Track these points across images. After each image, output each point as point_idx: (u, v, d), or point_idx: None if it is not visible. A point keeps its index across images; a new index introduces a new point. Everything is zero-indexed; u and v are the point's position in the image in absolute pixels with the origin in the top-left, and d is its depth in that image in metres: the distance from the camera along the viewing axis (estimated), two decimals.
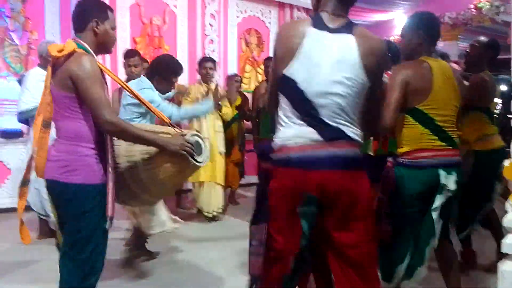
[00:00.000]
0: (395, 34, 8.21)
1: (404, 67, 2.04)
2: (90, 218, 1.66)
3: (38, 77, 3.10)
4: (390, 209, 2.03)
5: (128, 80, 3.30)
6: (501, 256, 1.97)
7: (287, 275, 1.48)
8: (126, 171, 1.79)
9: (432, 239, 2.03)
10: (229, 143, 4.48)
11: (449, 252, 2.17)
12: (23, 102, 3.34)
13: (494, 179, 2.71)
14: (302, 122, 1.43)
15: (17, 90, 3.66)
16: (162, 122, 2.11)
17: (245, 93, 5.44)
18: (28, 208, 2.34)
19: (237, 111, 4.70)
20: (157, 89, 2.90)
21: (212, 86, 4.29)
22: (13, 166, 4.38)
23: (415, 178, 1.99)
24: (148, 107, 1.98)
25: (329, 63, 1.40)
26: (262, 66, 5.69)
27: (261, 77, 5.97)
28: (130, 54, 3.94)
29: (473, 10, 6.67)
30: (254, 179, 5.11)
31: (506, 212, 1.98)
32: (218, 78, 5.47)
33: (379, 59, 1.46)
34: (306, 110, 1.42)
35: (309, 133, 1.42)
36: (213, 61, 4.42)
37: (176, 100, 4.64)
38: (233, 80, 4.93)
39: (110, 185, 1.67)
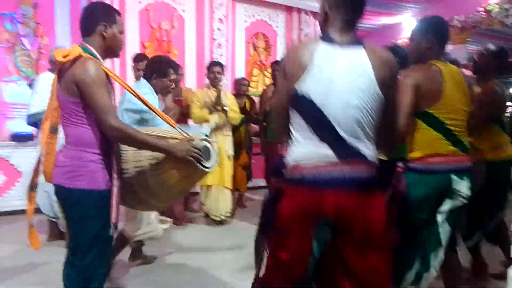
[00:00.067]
0: (403, 38, 8.19)
1: (414, 70, 2.03)
2: (93, 224, 1.65)
3: (48, 81, 3.14)
4: (399, 215, 1.99)
5: None
6: (511, 262, 1.95)
7: None
8: (134, 176, 1.77)
9: (439, 246, 2.00)
10: (237, 146, 4.49)
11: (454, 262, 2.14)
12: (32, 106, 3.39)
13: (506, 188, 2.69)
14: (317, 140, 1.39)
15: (28, 94, 3.73)
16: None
17: (252, 96, 5.46)
18: (37, 211, 2.37)
19: (244, 115, 4.72)
20: (157, 89, 2.91)
21: (221, 89, 4.31)
22: (24, 169, 4.43)
23: (427, 183, 1.97)
24: (154, 111, 1.92)
25: (343, 78, 1.38)
26: (270, 70, 5.71)
27: (268, 81, 5.98)
28: (139, 58, 3.98)
29: (482, 13, 6.61)
30: (261, 182, 5.13)
31: None
32: (226, 82, 5.49)
33: (391, 72, 1.44)
34: (323, 127, 1.39)
35: (324, 152, 1.38)
36: (221, 66, 4.44)
37: (184, 104, 4.68)
38: (240, 84, 4.95)
39: (115, 191, 1.67)
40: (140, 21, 5.41)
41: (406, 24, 8.60)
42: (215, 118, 4.24)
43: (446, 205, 2.00)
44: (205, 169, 1.80)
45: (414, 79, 1.96)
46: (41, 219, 3.49)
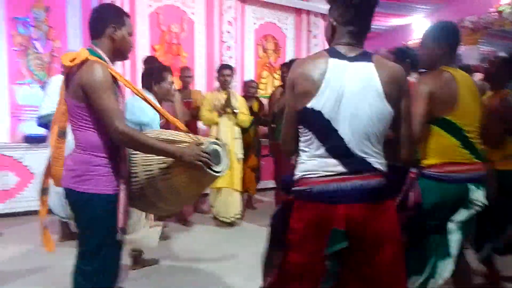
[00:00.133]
0: (413, 39, 8.13)
1: (428, 78, 1.99)
2: (100, 228, 1.64)
3: (59, 84, 3.18)
4: (408, 221, 1.97)
5: None
6: None
7: None
8: (143, 180, 1.76)
9: (448, 255, 1.97)
10: (246, 148, 4.50)
11: (463, 266, 2.11)
12: (42, 108, 3.44)
13: None
14: (326, 153, 1.39)
15: (41, 96, 3.79)
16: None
17: (261, 98, 5.47)
18: (49, 211, 2.39)
19: (253, 116, 4.73)
20: (161, 96, 2.93)
21: (231, 92, 4.33)
22: (36, 171, 4.49)
23: (443, 191, 1.95)
24: (162, 114, 1.94)
25: (352, 92, 1.37)
26: (279, 72, 5.72)
27: (277, 83, 5.98)
28: (149, 61, 4.02)
29: (493, 14, 6.55)
30: (270, 183, 5.13)
31: None
32: (235, 84, 5.51)
33: (400, 87, 1.43)
34: (331, 140, 1.38)
35: (333, 165, 1.38)
36: (231, 69, 4.46)
37: (193, 106, 4.71)
38: (249, 86, 4.97)
39: (122, 196, 1.65)
40: (150, 25, 5.46)
41: (416, 25, 8.54)
42: (224, 121, 4.26)
43: (461, 215, 1.97)
44: (215, 173, 1.76)
45: (428, 87, 1.93)
46: (52, 220, 3.53)
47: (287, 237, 1.48)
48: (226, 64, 4.68)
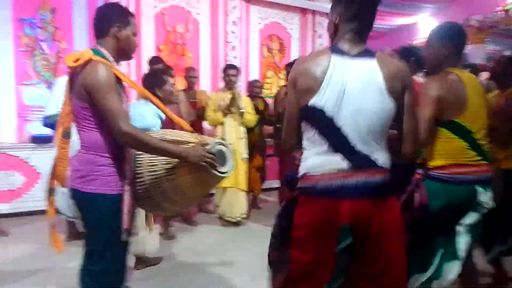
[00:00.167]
0: (419, 38, 8.09)
1: (435, 81, 1.97)
2: (105, 229, 1.63)
3: (65, 84, 3.21)
4: (412, 222, 1.96)
5: None
6: None
7: None
8: (148, 181, 1.75)
9: (455, 257, 1.96)
10: (251, 148, 4.50)
11: (469, 267, 2.09)
12: (48, 108, 3.46)
13: None
14: (329, 150, 1.40)
15: (47, 97, 3.81)
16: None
17: (266, 98, 5.47)
18: (55, 211, 2.41)
19: (258, 115, 4.73)
20: (165, 100, 2.96)
21: (235, 92, 4.34)
22: (43, 171, 4.52)
23: (450, 193, 1.93)
24: (168, 115, 1.94)
25: (354, 89, 1.38)
26: (284, 72, 5.71)
27: (282, 82, 5.98)
28: (154, 61, 4.03)
29: (500, 12, 6.51)
30: (275, 183, 5.12)
31: None
32: (240, 84, 5.52)
33: (403, 82, 1.43)
34: (335, 138, 1.39)
35: (337, 161, 1.39)
36: (237, 69, 4.47)
37: (198, 106, 4.72)
38: (253, 86, 4.97)
39: (126, 196, 1.64)
40: (155, 25, 5.48)
41: (422, 25, 8.50)
42: (229, 121, 4.27)
43: (470, 218, 1.95)
44: (220, 174, 1.75)
45: (436, 91, 1.91)
46: (59, 219, 3.55)
47: (291, 234, 1.49)
48: (231, 64, 4.69)
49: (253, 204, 5.03)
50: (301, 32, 6.78)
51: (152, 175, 1.75)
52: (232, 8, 6.01)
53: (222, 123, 4.29)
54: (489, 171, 1.98)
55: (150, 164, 1.75)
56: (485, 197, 1.93)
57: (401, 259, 1.45)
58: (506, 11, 6.39)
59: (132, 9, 4.94)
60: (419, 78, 2.81)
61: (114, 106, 1.55)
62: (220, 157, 1.76)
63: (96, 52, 1.65)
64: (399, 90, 1.42)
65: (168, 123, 2.97)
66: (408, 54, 2.84)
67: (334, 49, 1.45)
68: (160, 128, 2.92)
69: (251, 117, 4.40)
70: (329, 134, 1.40)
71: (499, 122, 2.36)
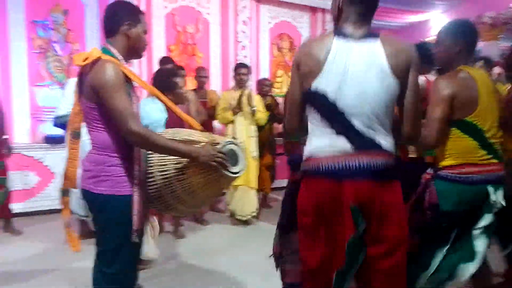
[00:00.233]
0: (431, 35, 8.00)
1: (447, 79, 1.93)
2: (118, 230, 1.61)
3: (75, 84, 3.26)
4: (423, 222, 1.94)
5: None
6: None
7: None
8: (159, 181, 1.73)
9: (471, 259, 1.92)
10: (261, 147, 4.50)
11: (483, 267, 2.05)
12: (59, 108, 3.48)
13: None
14: (333, 133, 1.41)
15: (59, 98, 3.86)
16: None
17: (276, 97, 5.46)
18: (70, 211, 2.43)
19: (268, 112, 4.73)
20: (176, 101, 2.98)
21: (246, 91, 4.35)
22: (56, 170, 4.59)
23: (461, 193, 1.90)
24: (178, 114, 1.91)
25: (357, 71, 1.38)
26: None
27: None
28: (164, 61, 4.06)
29: None
30: (285, 182, 5.10)
31: None
32: (250, 83, 5.52)
33: (407, 60, 1.42)
34: (338, 121, 1.40)
35: (341, 143, 1.40)
36: (248, 67, 4.47)
37: (208, 106, 4.74)
38: (262, 84, 4.96)
39: (136, 197, 1.61)
40: (166, 25, 5.52)
41: (434, 22, 8.40)
42: (239, 120, 4.28)
43: (485, 220, 1.92)
44: (231, 174, 1.72)
45: (448, 90, 1.87)
46: (71, 218, 3.60)
47: (298, 221, 1.50)
48: (242, 63, 4.70)
49: (263, 203, 5.03)
50: (311, 30, 6.75)
51: (163, 175, 1.73)
52: (242, 7, 6.02)
53: (232, 122, 4.30)
54: (500, 170, 1.94)
55: (160, 164, 1.73)
56: (496, 196, 1.89)
57: (404, 241, 1.45)
58: None
59: (142, 9, 4.98)
60: (432, 76, 2.78)
61: (122, 105, 1.52)
62: (232, 157, 1.73)
63: (105, 51, 1.63)
64: (403, 68, 1.41)
65: (177, 122, 3.00)
66: (421, 51, 2.81)
67: (338, 32, 1.45)
68: (165, 124, 2.94)
69: (262, 116, 4.40)
70: (332, 118, 1.42)
71: (510, 113, 2.31)
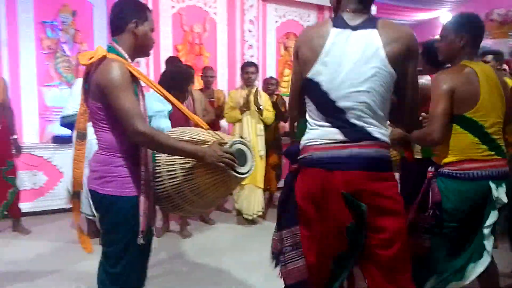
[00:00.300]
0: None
1: (448, 74, 1.92)
2: (124, 231, 1.59)
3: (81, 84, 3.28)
4: (430, 223, 1.92)
5: None
6: None
7: (329, 280, 1.44)
8: (167, 181, 1.71)
9: (481, 258, 1.90)
10: (267, 146, 4.50)
11: (490, 268, 2.01)
12: (66, 108, 3.51)
13: None
14: (327, 124, 1.42)
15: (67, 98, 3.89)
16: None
17: (284, 96, 5.45)
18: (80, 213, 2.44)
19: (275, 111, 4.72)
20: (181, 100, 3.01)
21: (253, 90, 4.35)
22: (65, 170, 4.63)
23: (463, 190, 1.87)
24: (185, 112, 1.85)
25: (351, 62, 1.38)
26: None
27: None
28: (170, 61, 4.08)
29: None
30: None
31: None
32: (257, 83, 5.52)
33: (405, 49, 1.40)
34: (331, 112, 1.41)
35: (334, 134, 1.41)
36: (255, 66, 4.47)
37: (216, 105, 4.75)
38: (268, 83, 4.95)
39: (142, 198, 1.59)
40: (173, 25, 5.53)
41: (443, 19, 8.32)
42: (247, 118, 4.28)
43: (492, 218, 1.88)
44: (239, 175, 1.68)
45: (448, 85, 1.85)
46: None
47: (298, 214, 1.50)
48: (250, 62, 4.70)
49: (269, 202, 5.02)
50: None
51: (170, 175, 1.71)
52: (249, 7, 6.01)
53: (240, 121, 4.30)
54: (503, 166, 1.91)
55: (168, 164, 1.71)
56: (498, 192, 1.86)
57: (402, 233, 1.43)
58: None
59: None
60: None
61: (128, 105, 1.49)
62: (240, 157, 1.69)
63: (111, 49, 1.61)
64: (400, 58, 1.39)
65: (182, 119, 3.01)
66: (430, 49, 2.77)
67: (336, 20, 1.45)
68: (168, 115, 2.96)
69: (269, 115, 4.40)
70: (325, 108, 1.43)
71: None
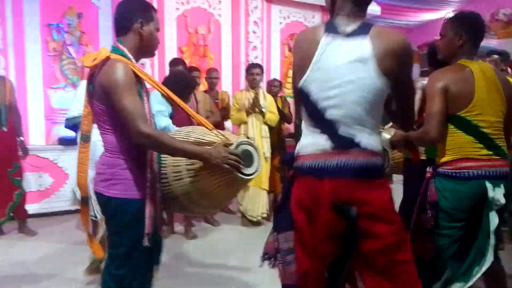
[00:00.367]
0: None
1: (442, 73, 1.91)
2: (130, 234, 1.57)
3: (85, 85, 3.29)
4: (431, 224, 1.91)
5: None
6: None
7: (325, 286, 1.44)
8: (173, 182, 1.70)
9: (484, 259, 1.87)
10: (271, 148, 4.49)
11: (497, 269, 2.01)
12: (71, 110, 3.51)
13: None
14: (317, 131, 1.43)
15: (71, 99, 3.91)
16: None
17: (288, 98, 5.45)
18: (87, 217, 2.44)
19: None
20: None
21: (260, 91, 4.35)
22: (70, 172, 4.66)
23: (459, 190, 1.85)
24: (190, 113, 1.84)
25: (341, 72, 1.36)
26: None
27: None
28: (174, 63, 4.08)
29: None
30: None
31: None
32: (262, 84, 5.53)
33: (399, 59, 1.38)
34: (321, 121, 1.41)
35: (322, 142, 1.40)
36: (260, 67, 4.47)
37: (220, 107, 4.75)
38: (271, 85, 4.95)
39: (148, 200, 1.57)
40: (178, 27, 5.56)
41: None
42: (252, 120, 4.28)
43: (494, 220, 1.85)
44: (245, 177, 1.66)
45: (442, 83, 1.84)
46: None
47: (293, 218, 1.50)
48: (255, 63, 4.71)
49: (274, 204, 5.01)
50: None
51: (176, 176, 1.70)
52: (254, 8, 6.02)
53: (245, 123, 4.31)
54: (502, 166, 1.87)
55: (174, 165, 1.70)
56: (495, 193, 1.82)
57: (400, 240, 1.41)
58: None
59: None
60: None
61: (132, 106, 1.47)
62: (246, 157, 1.67)
63: (115, 50, 1.59)
64: (393, 67, 1.37)
65: (185, 120, 3.03)
66: (434, 50, 2.76)
67: (328, 26, 1.43)
68: (170, 116, 2.96)
69: (273, 117, 4.39)
70: (314, 116, 1.43)
71: None
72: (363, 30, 1.38)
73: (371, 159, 1.40)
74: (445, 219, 1.88)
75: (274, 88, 4.95)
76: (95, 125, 1.66)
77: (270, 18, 6.28)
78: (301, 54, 1.45)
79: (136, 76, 1.56)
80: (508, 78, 2.34)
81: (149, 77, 1.65)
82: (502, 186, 1.84)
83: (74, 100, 3.55)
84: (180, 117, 3.03)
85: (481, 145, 1.85)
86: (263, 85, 5.67)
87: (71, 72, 5.03)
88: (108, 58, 1.53)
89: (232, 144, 1.66)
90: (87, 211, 1.73)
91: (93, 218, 3.67)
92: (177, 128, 2.47)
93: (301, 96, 1.45)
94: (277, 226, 1.62)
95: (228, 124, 4.99)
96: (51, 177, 4.70)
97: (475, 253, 1.89)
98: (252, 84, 4.36)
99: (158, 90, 1.71)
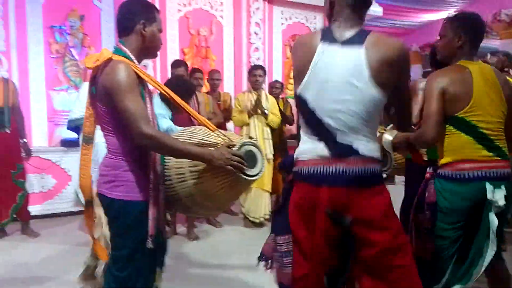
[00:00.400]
0: None
1: (440, 73, 1.90)
2: (133, 236, 1.57)
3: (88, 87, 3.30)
4: (431, 225, 1.90)
5: None
6: None
7: None
8: (176, 184, 1.70)
9: (482, 260, 1.86)
10: (274, 149, 4.49)
11: (501, 270, 2.00)
12: (73, 112, 3.52)
13: None
14: (315, 138, 1.43)
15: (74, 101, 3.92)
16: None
17: (289, 99, 5.45)
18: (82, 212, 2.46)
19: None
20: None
21: (262, 93, 4.35)
22: (73, 173, 4.67)
23: (458, 192, 1.84)
24: (192, 114, 1.81)
25: (337, 80, 1.37)
26: None
27: None
28: (176, 64, 4.10)
29: None
30: None
31: None
32: (264, 85, 5.53)
33: (396, 68, 1.37)
34: (318, 128, 1.41)
35: (320, 149, 1.41)
36: (263, 69, 4.47)
37: (222, 108, 4.76)
38: (273, 87, 4.95)
39: (151, 202, 1.57)
40: (180, 28, 5.57)
41: None
42: (254, 122, 4.28)
43: (494, 222, 1.83)
44: (248, 178, 1.66)
45: (439, 84, 1.84)
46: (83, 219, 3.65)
47: (289, 215, 1.51)
48: (257, 65, 4.71)
49: (276, 205, 5.02)
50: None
51: (179, 178, 1.69)
52: (255, 9, 6.04)
53: (247, 124, 4.31)
54: (504, 167, 1.85)
55: (177, 167, 1.70)
56: (496, 195, 1.80)
57: (398, 247, 1.41)
58: None
59: None
60: None
61: (134, 107, 1.46)
62: (249, 158, 1.66)
63: (117, 51, 1.58)
64: (389, 75, 1.37)
65: (186, 120, 3.03)
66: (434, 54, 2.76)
67: (325, 34, 1.43)
68: (171, 119, 2.96)
69: (275, 118, 4.40)
70: (312, 124, 1.43)
71: None
72: (360, 38, 1.38)
73: (369, 166, 1.40)
74: (444, 219, 1.88)
75: (276, 89, 4.95)
76: (98, 127, 1.66)
77: (272, 19, 6.29)
78: (298, 61, 1.46)
79: (139, 77, 1.55)
80: (508, 78, 2.34)
81: (151, 78, 1.65)
82: (503, 187, 1.82)
83: (77, 102, 3.56)
84: (180, 122, 3.03)
85: (481, 146, 1.84)
86: (265, 86, 5.68)
87: (74, 74, 5.05)
88: (110, 59, 1.52)
89: (235, 145, 1.65)
90: (92, 214, 1.72)
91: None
92: (180, 128, 2.47)
93: (299, 103, 1.46)
94: (276, 229, 1.62)
95: (230, 125, 4.99)
96: (53, 179, 4.71)
97: (474, 254, 1.88)
98: (255, 86, 4.37)
99: (160, 91, 1.71)
